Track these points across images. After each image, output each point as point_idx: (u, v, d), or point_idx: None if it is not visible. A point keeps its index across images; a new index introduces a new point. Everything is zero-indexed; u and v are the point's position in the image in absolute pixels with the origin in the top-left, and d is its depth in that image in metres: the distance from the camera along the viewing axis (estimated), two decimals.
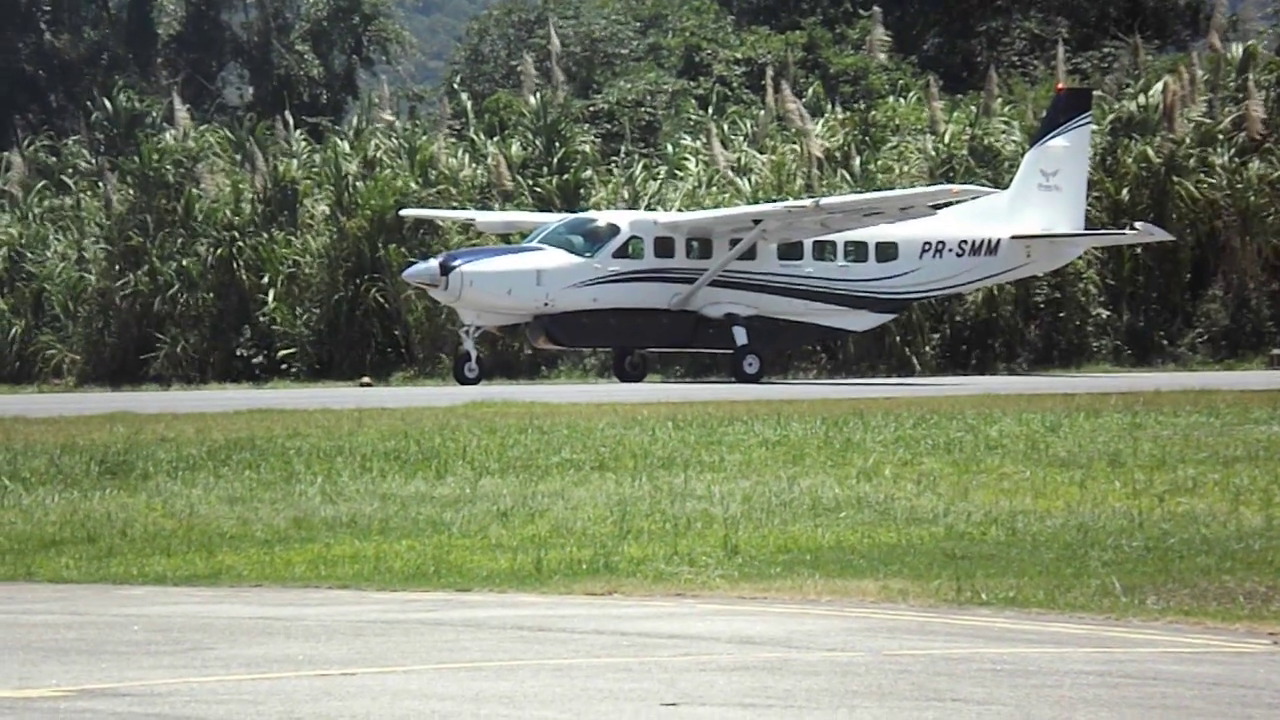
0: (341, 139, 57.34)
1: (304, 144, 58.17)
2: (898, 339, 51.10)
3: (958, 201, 46.54)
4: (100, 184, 56.60)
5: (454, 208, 52.85)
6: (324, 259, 52.75)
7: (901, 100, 57.97)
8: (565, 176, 54.76)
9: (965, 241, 46.69)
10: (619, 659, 11.35)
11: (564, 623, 12.80)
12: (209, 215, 54.26)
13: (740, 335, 44.56)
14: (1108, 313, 52.95)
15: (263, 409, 32.73)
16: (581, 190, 54.47)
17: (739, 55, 64.22)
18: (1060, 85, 53.56)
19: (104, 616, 13.32)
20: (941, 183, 50.52)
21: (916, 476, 20.15)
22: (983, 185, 49.28)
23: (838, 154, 54.34)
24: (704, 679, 10.65)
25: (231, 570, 15.62)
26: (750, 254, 45.03)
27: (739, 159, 54.93)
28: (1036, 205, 47.60)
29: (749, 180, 53.61)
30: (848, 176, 53.45)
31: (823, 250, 45.77)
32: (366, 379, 49.43)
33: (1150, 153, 53.62)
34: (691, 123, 58.41)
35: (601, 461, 22.36)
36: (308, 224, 54.43)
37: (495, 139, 56.71)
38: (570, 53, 62.84)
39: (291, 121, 59.14)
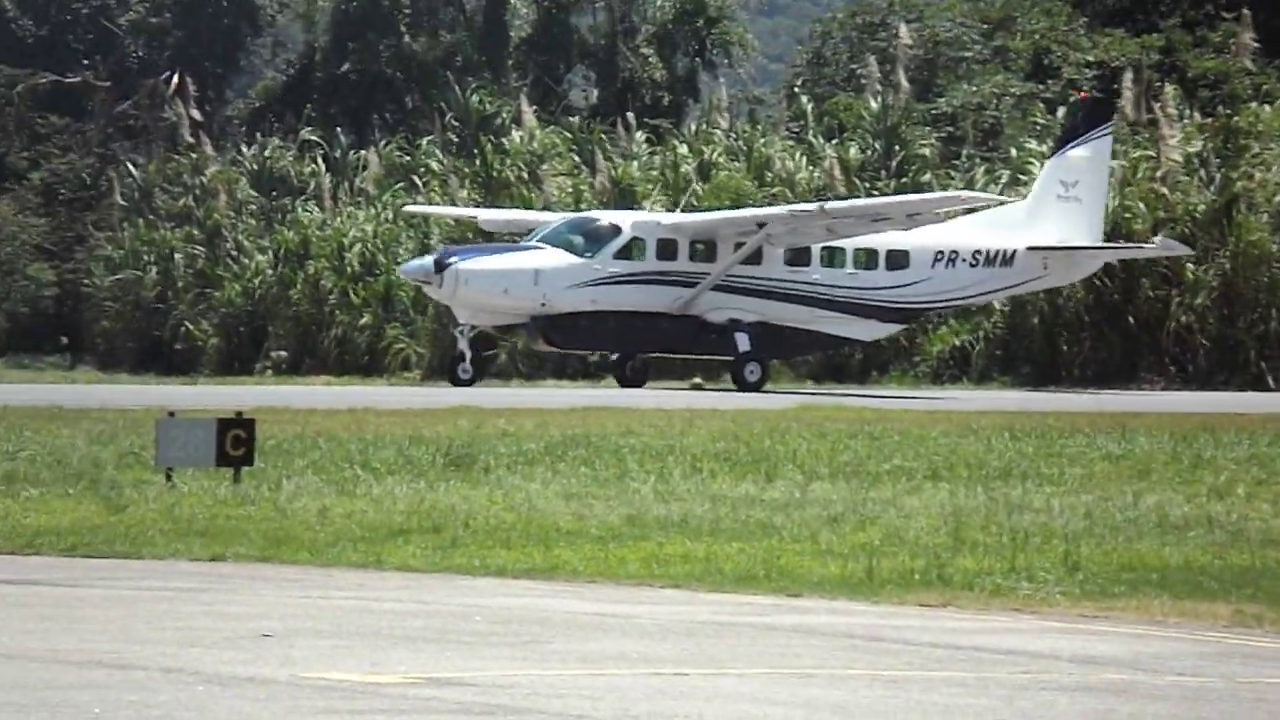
0: (680, 141, 57.87)
1: (644, 146, 58.89)
2: (1252, 354, 49.48)
3: (985, 207, 44.99)
4: (448, 184, 58.13)
5: None
6: None
7: (1266, 107, 56.02)
8: (904, 180, 54.39)
9: (980, 251, 45.07)
10: (955, 673, 11.24)
11: (897, 633, 12.72)
12: None
13: (743, 341, 43.21)
14: None
15: (598, 406, 33.26)
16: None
17: (1091, 58, 62.96)
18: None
19: (448, 606, 13.67)
20: None
21: (1273, 497, 19.52)
22: (996, 194, 47.34)
23: (1195, 160, 52.84)
24: (1045, 698, 10.47)
25: (568, 565, 15.90)
26: (756, 258, 43.64)
27: None
28: (1055, 216, 45.96)
29: None
30: (1204, 183, 52.01)
31: (832, 256, 44.35)
32: (698, 380, 49.78)
33: None
34: (1038, 127, 57.45)
35: (935, 470, 22.16)
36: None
37: (833, 142, 56.64)
38: (913, 55, 62.34)
39: (633, 123, 59.95)
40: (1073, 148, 46.81)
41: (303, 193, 61.37)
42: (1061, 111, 56.66)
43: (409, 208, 54.62)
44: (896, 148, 55.70)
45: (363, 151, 63.29)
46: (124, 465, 21.66)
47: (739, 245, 43.26)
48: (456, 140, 62.52)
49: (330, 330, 56.12)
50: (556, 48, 73.68)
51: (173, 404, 25.64)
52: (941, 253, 44.85)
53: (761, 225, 43.31)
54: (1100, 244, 46.87)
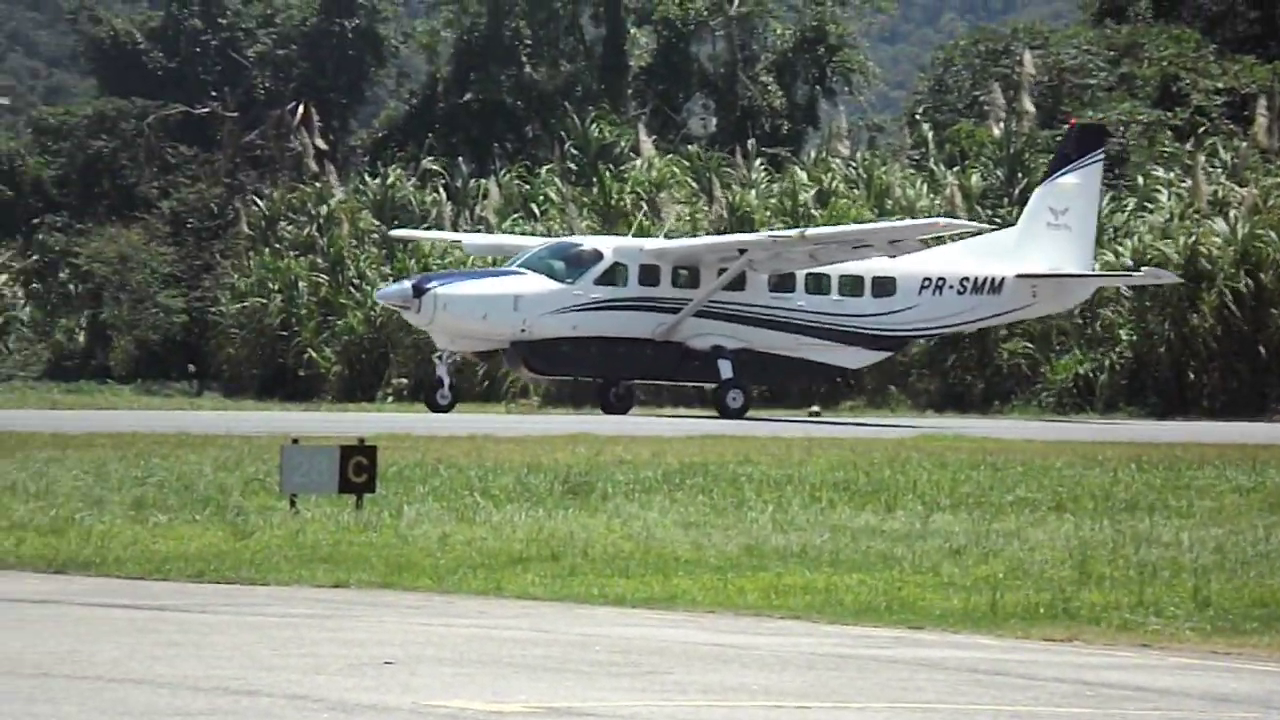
0: (800, 169, 57.77)
1: (763, 174, 58.84)
2: None
3: (968, 235, 44.39)
4: (566, 213, 58.38)
5: None
6: None
7: None
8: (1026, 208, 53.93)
9: (967, 279, 44.60)
10: (1081, 710, 11.08)
11: (1022, 668, 12.56)
12: None
13: (725, 369, 42.83)
14: None
15: (715, 435, 33.18)
16: None
17: (1220, 85, 62.22)
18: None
19: (568, 635, 13.66)
20: None
21: None
22: (975, 221, 46.54)
23: None
24: None
25: (686, 594, 15.85)
26: (740, 285, 43.26)
27: (1215, 191, 53.15)
28: (1044, 244, 45.39)
29: (1227, 215, 51.74)
30: None
31: (818, 283, 43.94)
32: (816, 408, 49.58)
33: None
34: (1164, 154, 56.79)
35: (1059, 501, 21.91)
36: None
37: (954, 169, 56.31)
38: (1037, 82, 61.91)
39: (752, 151, 59.91)
40: (1063, 175, 46.35)
41: (424, 221, 61.83)
42: (1189, 141, 56.09)
43: (394, 232, 54.62)
44: (1019, 175, 55.27)
45: (483, 180, 63.70)
46: (249, 491, 21.88)
47: (722, 271, 43.09)
48: (575, 169, 62.77)
49: None
50: (676, 76, 73.81)
51: (296, 431, 25.89)
52: (929, 280, 44.56)
53: (743, 251, 43.14)
54: (1089, 272, 46.40)
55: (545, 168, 63.31)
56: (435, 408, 43.30)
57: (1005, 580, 16.38)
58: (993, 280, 44.93)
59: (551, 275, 42.84)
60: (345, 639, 13.15)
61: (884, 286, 44.42)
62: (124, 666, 11.57)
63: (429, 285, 42.86)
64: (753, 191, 57.01)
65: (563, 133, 65.17)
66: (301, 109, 71.21)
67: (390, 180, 64.11)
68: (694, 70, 74.03)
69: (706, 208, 56.54)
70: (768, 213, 55.95)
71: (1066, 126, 49.83)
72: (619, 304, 42.88)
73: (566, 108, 68.09)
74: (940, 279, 44.62)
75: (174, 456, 25.50)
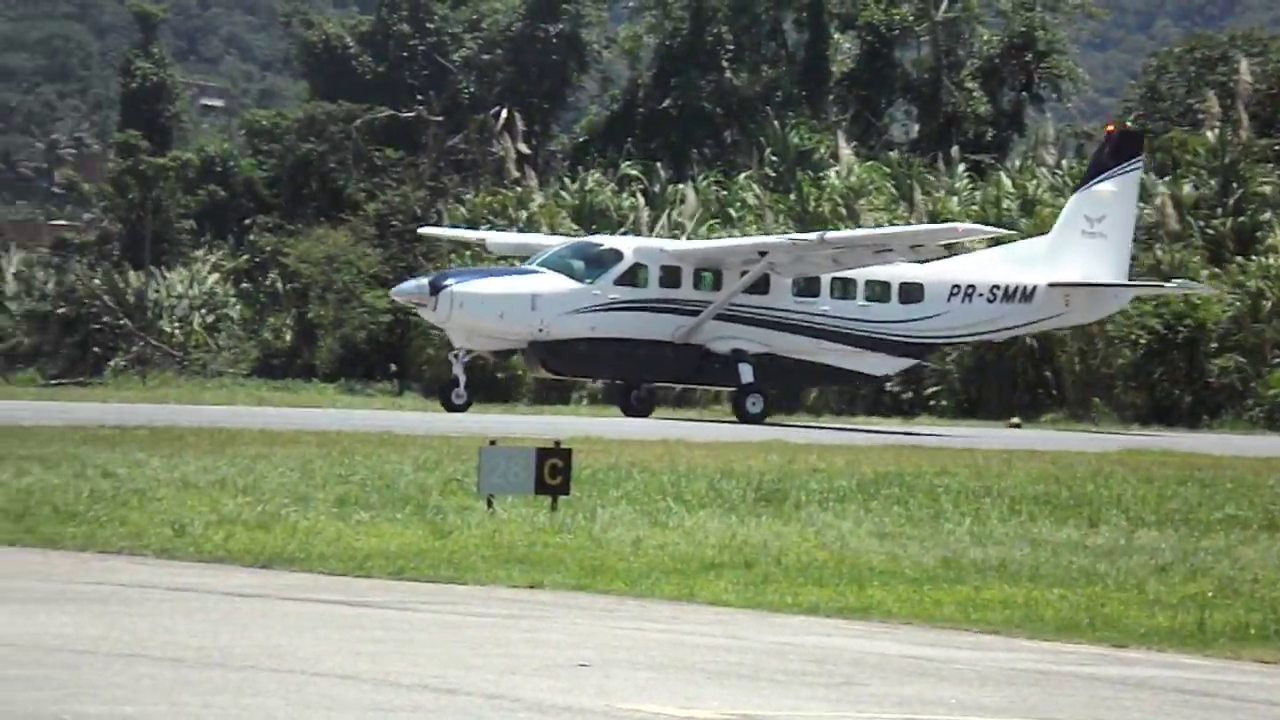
0: (1004, 175, 57.10)
1: (965, 181, 58.22)
2: None
3: (999, 242, 43.50)
4: (763, 218, 58.27)
5: None
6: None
7: None
8: (1241, 219, 52.80)
9: (998, 287, 43.48)
10: None
11: (1231, 689, 12.21)
12: None
13: (746, 373, 41.95)
14: None
15: (910, 445, 32.83)
16: (1258, 234, 52.32)
17: None
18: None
19: (761, 643, 13.56)
20: None
21: None
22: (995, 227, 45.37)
23: None
24: None
25: (881, 605, 15.66)
26: (764, 288, 42.32)
27: None
28: (1079, 252, 44.18)
29: None
30: None
31: (844, 288, 42.91)
32: (1016, 419, 48.91)
33: None
34: None
35: (1271, 520, 21.32)
36: None
37: (1166, 179, 55.27)
38: (1255, 90, 60.52)
39: (955, 157, 59.31)
40: (1099, 182, 45.35)
41: (621, 226, 62.13)
42: None
43: (423, 230, 54.47)
44: (1234, 185, 54.07)
45: (681, 186, 63.79)
46: (448, 491, 22.06)
47: (744, 274, 42.49)
48: (773, 175, 62.60)
49: None
50: (878, 82, 73.34)
51: (493, 432, 26.06)
52: (958, 286, 43.80)
53: (763, 254, 42.50)
54: (1123, 281, 45.36)
55: (743, 173, 63.19)
56: (451, 407, 42.65)
57: (1214, 599, 15.95)
58: (1024, 288, 44.30)
59: (571, 275, 42.45)
60: (540, 640, 13.17)
61: (912, 292, 43.83)
62: (328, 661, 11.68)
63: (445, 283, 42.42)
64: (954, 199, 56.43)
65: (761, 138, 65.06)
66: (505, 114, 71.87)
67: (589, 185, 64.47)
68: (897, 76, 73.48)
69: (906, 214, 56.09)
70: (968, 219, 55.35)
71: (1105, 132, 48.94)
72: (639, 305, 42.42)
73: (767, 113, 67.94)
74: (970, 286, 44.01)
75: (376, 455, 25.82)
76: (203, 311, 68.29)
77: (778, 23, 74.50)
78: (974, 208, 55.78)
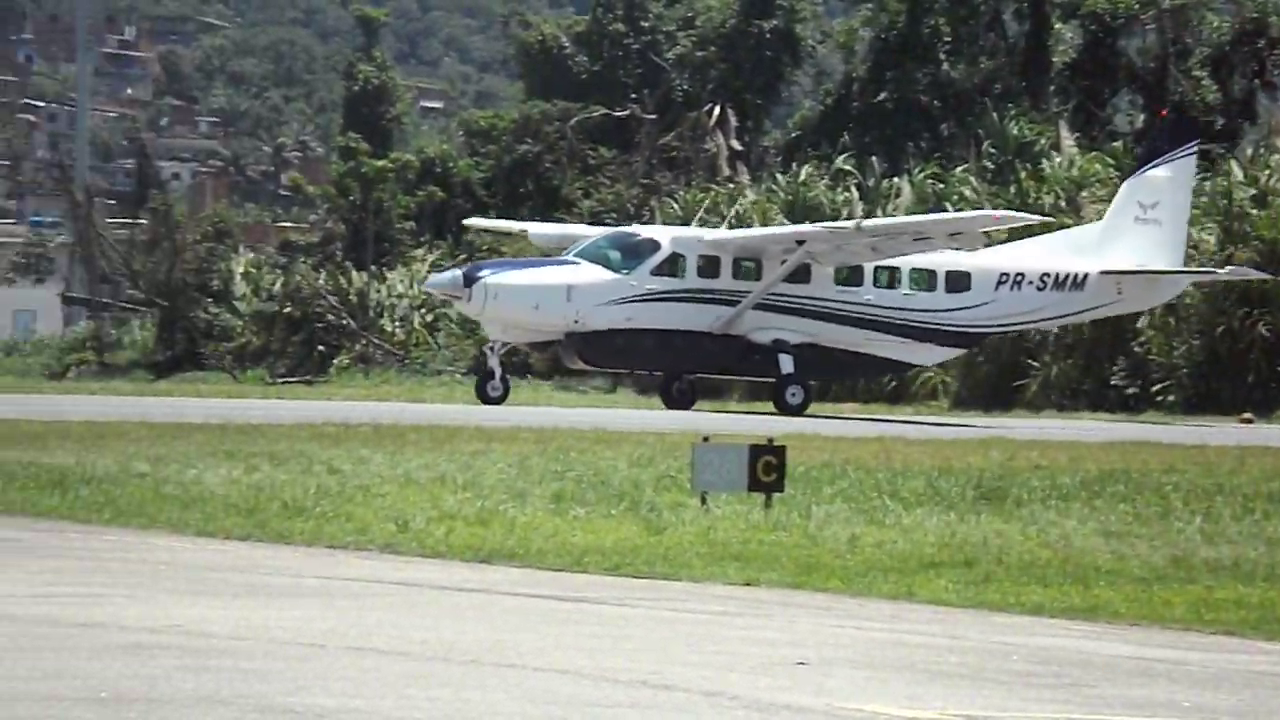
0: (1237, 165, 55.67)
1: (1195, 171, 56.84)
2: None
3: (1041, 229, 42.16)
4: None
5: None
6: (1208, 289, 51.24)
7: None
8: None
9: (1048, 275, 41.90)
10: None
11: None
12: None
13: (786, 364, 40.72)
14: None
15: (1136, 441, 32.14)
16: None
17: None
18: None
19: (983, 643, 13.26)
20: None
21: None
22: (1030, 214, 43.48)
23: None
24: None
25: (1108, 605, 15.26)
26: (805, 277, 40.98)
27: None
28: (1131, 239, 42.45)
29: None
30: None
31: (889, 277, 41.41)
32: (1248, 415, 47.65)
33: None
34: None
35: None
36: (1190, 255, 53.17)
37: None
38: None
39: None
40: (1153, 167, 43.91)
41: (834, 221, 61.71)
42: None
43: (467, 220, 53.89)
44: None
45: (896, 180, 63.19)
46: (662, 488, 22.02)
47: (784, 264, 41.50)
48: (992, 168, 61.72)
49: None
50: (1102, 72, 71.95)
51: (706, 429, 25.98)
52: (1006, 275, 42.49)
53: (801, 243, 41.49)
54: (1177, 268, 43.83)
55: (960, 166, 62.38)
56: (486, 399, 42.11)
57: None
58: (1075, 276, 43.04)
59: (607, 265, 41.81)
60: (757, 638, 13.03)
61: (958, 281, 42.71)
62: (547, 656, 11.67)
63: (480, 274, 41.96)
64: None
65: (979, 130, 64.22)
66: (717, 110, 71.81)
67: (802, 179, 64.14)
68: (1121, 65, 72.04)
69: None
70: (1198, 211, 54.04)
71: (1158, 118, 47.50)
72: (677, 295, 41.66)
73: (985, 105, 67.02)
74: (1019, 274, 42.81)
75: (591, 452, 25.88)
76: (422, 311, 69.20)
77: (997, 14, 73.47)
78: (1203, 199, 54.41)
